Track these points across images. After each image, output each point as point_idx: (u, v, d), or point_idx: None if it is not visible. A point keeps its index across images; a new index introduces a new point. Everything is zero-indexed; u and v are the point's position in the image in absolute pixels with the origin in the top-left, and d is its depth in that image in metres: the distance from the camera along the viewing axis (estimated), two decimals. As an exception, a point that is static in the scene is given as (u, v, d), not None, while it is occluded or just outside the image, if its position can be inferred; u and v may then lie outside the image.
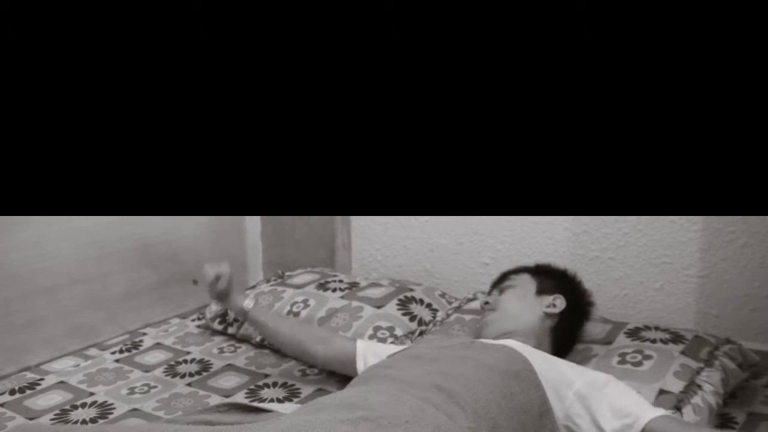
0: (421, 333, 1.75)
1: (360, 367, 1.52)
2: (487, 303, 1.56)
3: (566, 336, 1.53)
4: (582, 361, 1.48)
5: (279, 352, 1.81)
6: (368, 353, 1.53)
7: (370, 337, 1.70)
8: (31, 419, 1.50)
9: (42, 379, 1.68)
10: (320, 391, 1.60)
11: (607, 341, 1.57)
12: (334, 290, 1.91)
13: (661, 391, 1.36)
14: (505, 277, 1.61)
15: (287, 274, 2.10)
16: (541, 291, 1.53)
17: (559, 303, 1.51)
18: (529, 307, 1.50)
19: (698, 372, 1.42)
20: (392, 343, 1.69)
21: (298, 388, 1.63)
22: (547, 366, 1.30)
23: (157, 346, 1.88)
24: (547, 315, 1.49)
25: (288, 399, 1.58)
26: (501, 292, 1.56)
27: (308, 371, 1.72)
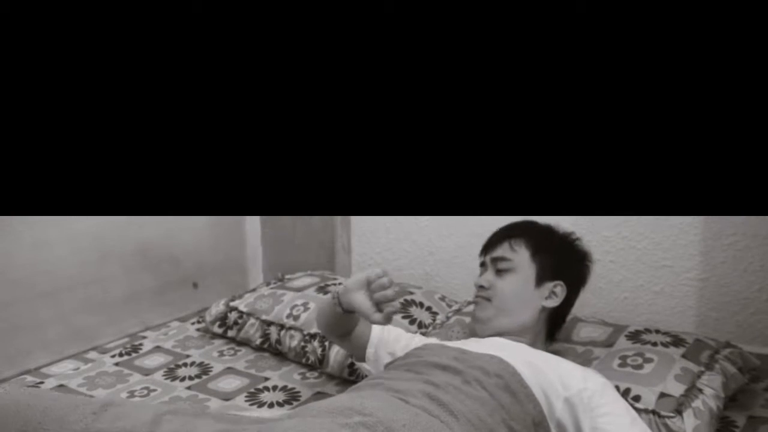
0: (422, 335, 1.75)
1: (370, 353, 1.49)
2: (482, 287, 1.47)
3: (562, 316, 1.51)
4: (583, 364, 1.47)
5: (279, 355, 1.81)
6: (382, 340, 1.50)
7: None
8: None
9: (42, 383, 1.68)
10: (320, 395, 1.60)
11: (608, 344, 1.56)
12: (335, 293, 1.90)
13: (662, 395, 1.36)
14: (499, 243, 1.49)
15: (287, 277, 2.10)
16: (540, 278, 1.44)
17: (559, 291, 1.45)
18: (527, 301, 1.43)
19: (699, 375, 1.42)
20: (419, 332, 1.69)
21: (298, 392, 1.63)
22: (539, 374, 1.28)
23: (157, 349, 1.88)
24: (545, 308, 1.45)
25: (288, 402, 1.58)
26: (498, 273, 1.46)
27: (308, 374, 1.72)
